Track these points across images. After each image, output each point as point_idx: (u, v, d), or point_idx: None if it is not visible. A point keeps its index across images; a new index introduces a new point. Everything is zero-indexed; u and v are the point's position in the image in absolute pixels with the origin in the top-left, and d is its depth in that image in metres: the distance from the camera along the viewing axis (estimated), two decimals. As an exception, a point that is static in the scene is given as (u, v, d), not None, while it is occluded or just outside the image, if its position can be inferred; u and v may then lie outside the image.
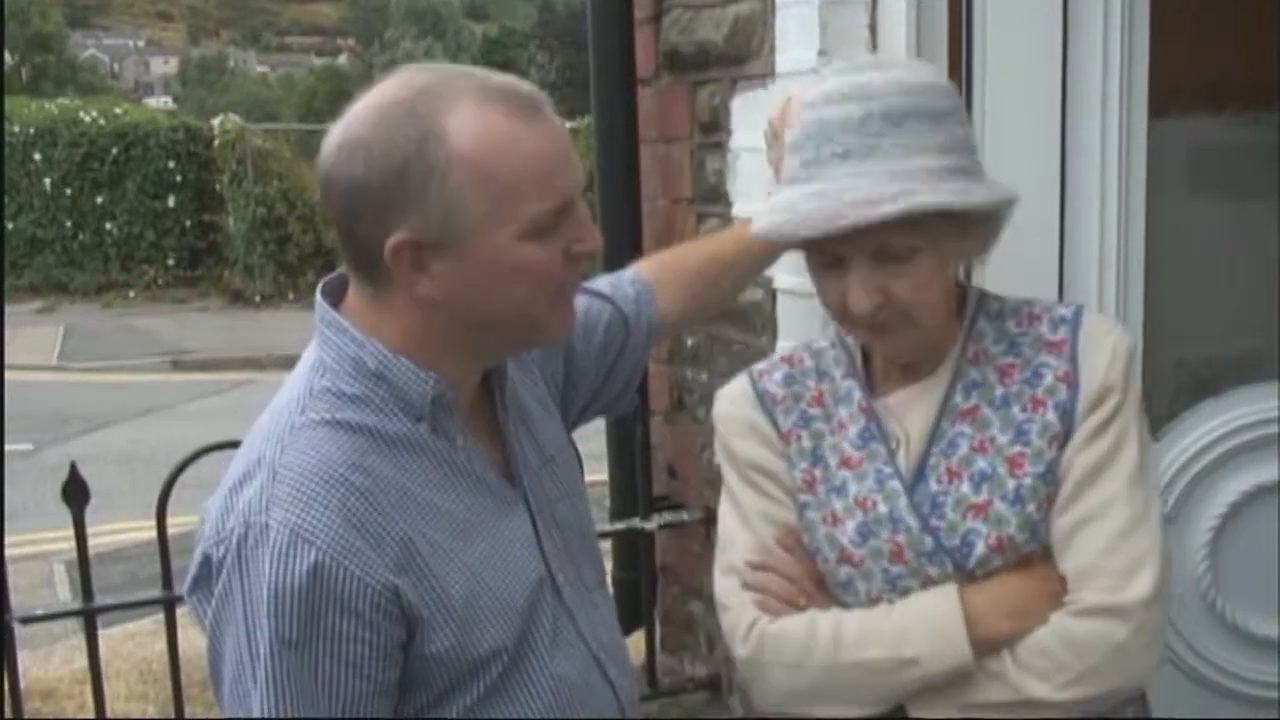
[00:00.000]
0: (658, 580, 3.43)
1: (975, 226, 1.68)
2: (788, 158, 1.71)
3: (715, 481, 3.12)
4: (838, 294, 1.68)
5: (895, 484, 1.75)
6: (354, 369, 1.54)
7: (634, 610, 3.32)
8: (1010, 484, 1.70)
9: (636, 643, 3.36)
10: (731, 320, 2.91)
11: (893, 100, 1.62)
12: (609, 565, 3.45)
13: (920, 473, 1.74)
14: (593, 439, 2.76)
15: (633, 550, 3.35)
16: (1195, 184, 2.69)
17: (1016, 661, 1.66)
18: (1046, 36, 2.36)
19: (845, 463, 1.79)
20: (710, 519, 3.17)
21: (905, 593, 1.73)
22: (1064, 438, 1.70)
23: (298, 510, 1.44)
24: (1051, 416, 1.70)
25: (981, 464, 1.72)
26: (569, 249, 1.57)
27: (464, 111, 1.48)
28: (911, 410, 1.77)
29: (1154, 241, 2.52)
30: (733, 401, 1.90)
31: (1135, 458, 1.69)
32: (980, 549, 1.70)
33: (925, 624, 1.68)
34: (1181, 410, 2.72)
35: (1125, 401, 1.70)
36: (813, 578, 1.80)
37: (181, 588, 2.67)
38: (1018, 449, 1.71)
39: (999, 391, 1.74)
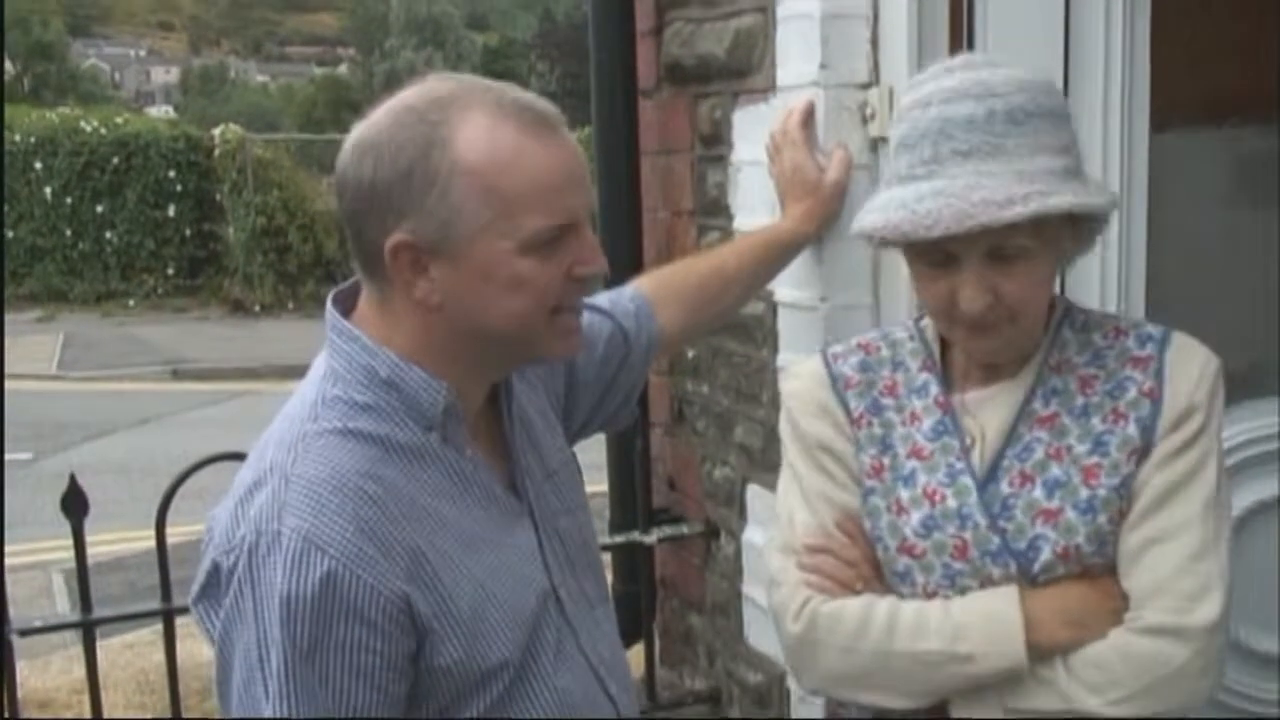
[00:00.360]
0: (657, 593, 3.42)
1: (1087, 228, 1.69)
2: (896, 156, 1.70)
3: (715, 494, 3.12)
4: (946, 292, 1.68)
5: (967, 480, 1.74)
6: (366, 377, 1.55)
7: (633, 623, 3.31)
8: (1084, 493, 1.69)
9: (635, 656, 3.35)
10: (733, 333, 2.91)
11: (1014, 98, 1.63)
12: (609, 578, 3.44)
13: (993, 473, 1.74)
14: (593, 450, 2.75)
15: (632, 563, 3.34)
16: (1196, 198, 2.69)
17: (1070, 671, 1.65)
18: (1048, 52, 2.36)
19: (916, 454, 1.79)
20: (710, 533, 3.17)
21: (963, 590, 1.72)
22: (1142, 453, 1.69)
23: (310, 518, 1.44)
24: (1132, 430, 1.69)
25: (1056, 471, 1.71)
26: (571, 270, 1.58)
27: (474, 122, 1.50)
28: (988, 410, 1.77)
29: (1155, 255, 2.51)
30: (805, 380, 1.91)
31: (1213, 482, 1.68)
32: (1046, 555, 1.69)
33: (983, 622, 1.67)
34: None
35: (1208, 424, 1.69)
36: (871, 564, 1.80)
37: (181, 599, 2.71)
38: (1095, 459, 1.70)
39: (1079, 401, 1.73)
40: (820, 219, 2.38)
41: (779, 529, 1.88)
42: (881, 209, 1.68)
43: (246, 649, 1.46)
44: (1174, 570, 1.64)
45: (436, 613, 1.49)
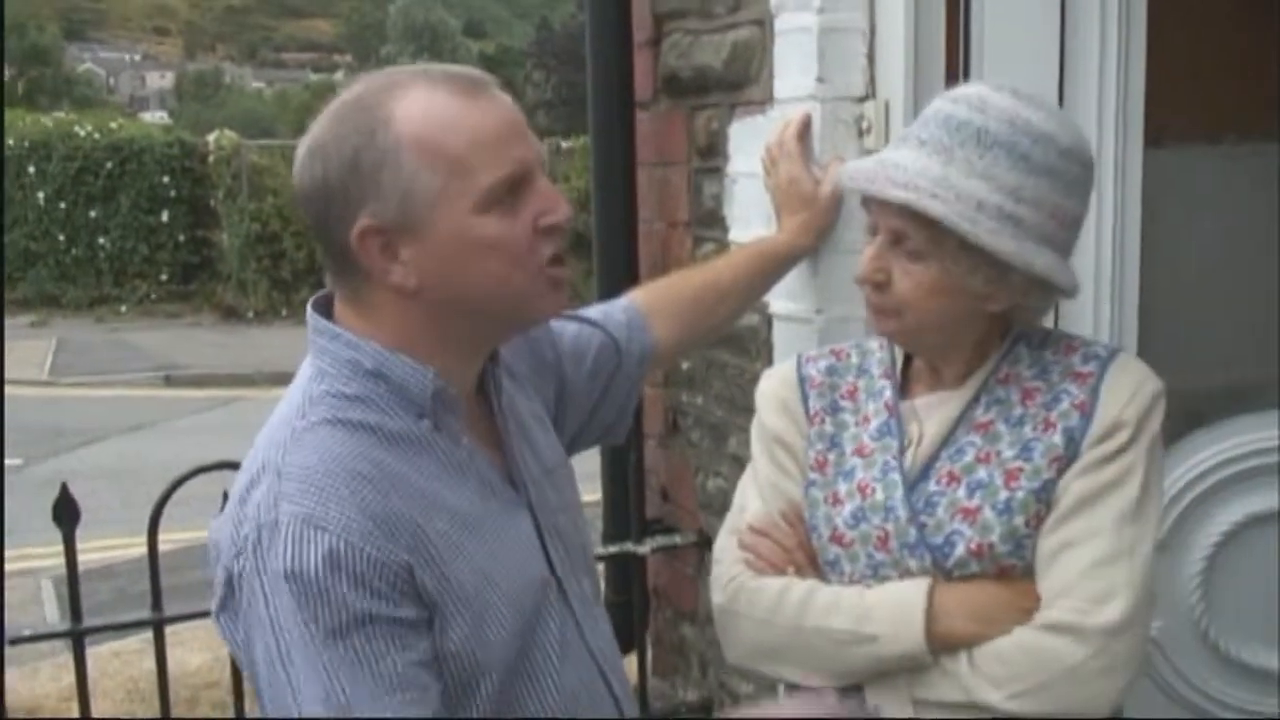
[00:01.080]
0: (650, 604, 3.42)
1: (988, 271, 1.71)
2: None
3: (709, 505, 3.12)
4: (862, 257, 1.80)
5: (896, 476, 1.81)
6: (352, 371, 1.55)
7: (626, 634, 3.30)
8: (1003, 495, 1.75)
9: (628, 666, 3.34)
10: (727, 345, 2.91)
11: (995, 125, 1.69)
12: (601, 588, 3.45)
13: (925, 472, 1.81)
14: (586, 460, 2.75)
15: (625, 573, 3.34)
16: (1190, 214, 2.70)
17: (972, 664, 1.71)
18: (1043, 69, 2.37)
19: (859, 452, 1.87)
20: (704, 543, 3.16)
21: (884, 580, 1.79)
22: (1066, 462, 1.74)
23: (307, 501, 1.44)
24: (1058, 439, 1.75)
25: (981, 473, 1.77)
26: (537, 222, 1.57)
27: (409, 97, 1.52)
28: (933, 415, 1.84)
29: (1148, 271, 2.52)
30: (774, 380, 2.02)
31: (1134, 497, 1.71)
32: (960, 550, 1.75)
33: (890, 606, 1.75)
34: (1174, 440, 2.72)
35: (1136, 440, 1.73)
36: (806, 552, 1.88)
37: (172, 607, 2.71)
38: (1018, 464, 1.75)
39: (1017, 411, 1.79)
40: (816, 232, 2.38)
41: (731, 513, 1.99)
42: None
43: (267, 643, 1.45)
44: (1080, 574, 1.69)
45: (440, 590, 1.49)
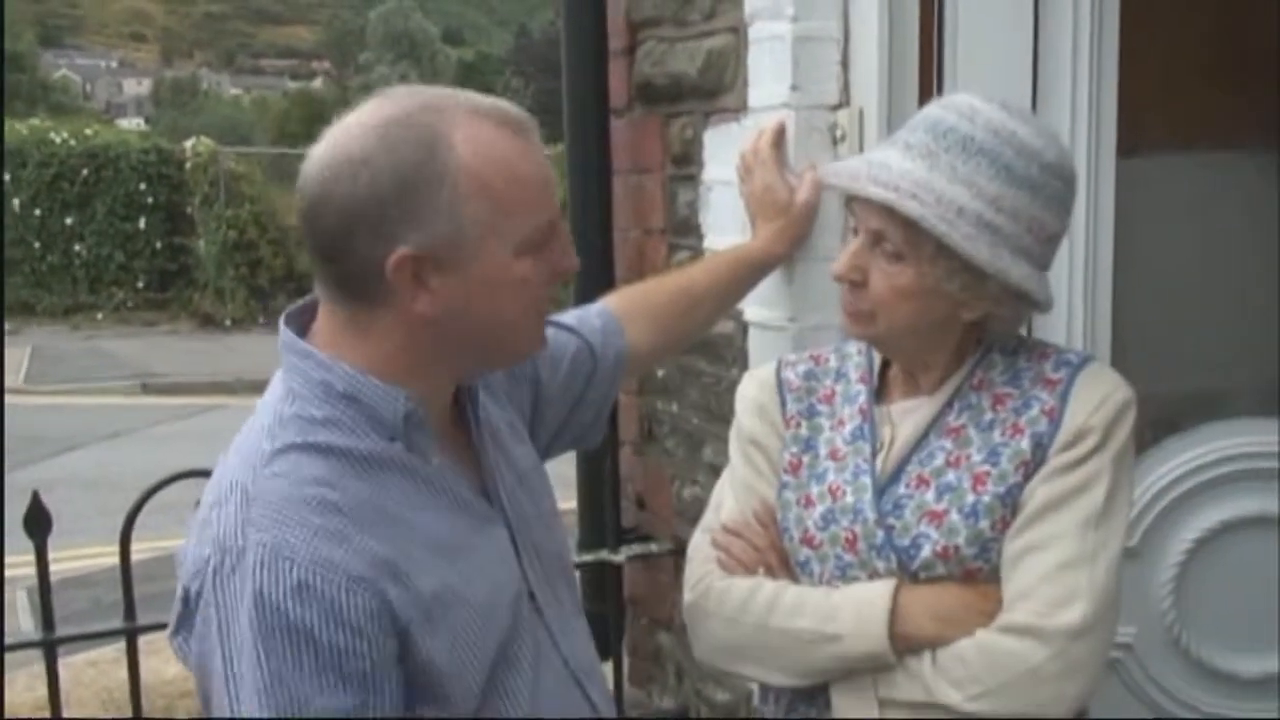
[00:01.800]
0: (626, 612, 3.42)
1: (964, 277, 1.72)
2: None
3: (685, 513, 3.12)
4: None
5: (866, 479, 1.83)
6: (323, 393, 1.53)
7: (602, 642, 3.29)
8: (969, 498, 1.76)
9: (604, 675, 3.34)
10: (702, 352, 2.91)
11: (981, 134, 1.72)
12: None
13: (896, 476, 1.83)
14: (562, 468, 2.75)
15: (601, 582, 3.34)
16: (1163, 223, 2.71)
17: (935, 664, 1.72)
18: (1016, 78, 2.38)
19: (832, 455, 1.89)
20: (680, 551, 3.16)
21: (852, 581, 1.81)
22: (1033, 467, 1.76)
23: (275, 529, 1.42)
24: (1025, 445, 1.76)
25: (950, 477, 1.79)
26: (555, 267, 1.59)
27: (464, 125, 1.49)
28: (906, 420, 1.86)
29: (1121, 279, 2.53)
30: (753, 383, 2.04)
31: (1098, 503, 1.73)
32: (926, 552, 1.77)
33: (854, 606, 1.76)
34: (1147, 447, 2.73)
35: (1102, 447, 1.74)
36: (777, 554, 1.90)
37: (145, 617, 2.70)
38: (985, 468, 1.77)
39: (988, 416, 1.81)
40: (791, 239, 2.39)
41: (708, 512, 2.02)
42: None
43: (218, 667, 1.43)
44: (1041, 577, 1.70)
45: (410, 615, 1.47)
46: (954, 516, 1.76)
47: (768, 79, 2.55)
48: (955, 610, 1.74)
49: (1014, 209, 1.71)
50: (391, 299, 1.51)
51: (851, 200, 1.80)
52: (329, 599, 1.41)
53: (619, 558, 3.25)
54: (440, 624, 1.50)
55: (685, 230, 2.98)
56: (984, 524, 1.75)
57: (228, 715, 1.42)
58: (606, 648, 3.26)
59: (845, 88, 2.47)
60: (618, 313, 2.11)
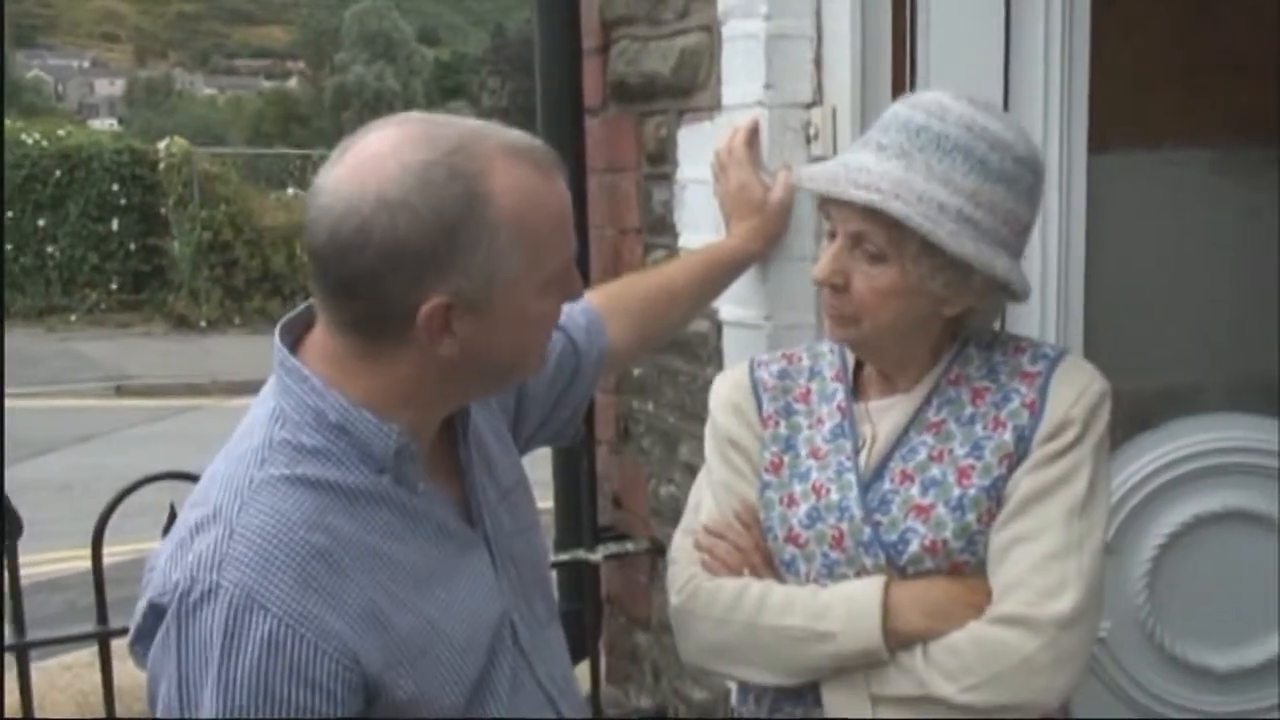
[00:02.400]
0: (603, 611, 3.42)
1: (949, 273, 1.74)
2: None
3: (661, 512, 3.12)
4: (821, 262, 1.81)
5: (851, 477, 1.84)
6: (315, 420, 1.50)
7: (579, 641, 3.30)
8: (955, 492, 1.77)
9: (581, 674, 3.33)
10: (678, 351, 2.91)
11: (954, 131, 1.72)
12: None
13: (879, 472, 1.83)
14: (539, 468, 2.74)
15: (578, 581, 3.34)
16: (1133, 220, 2.72)
17: (927, 657, 1.73)
18: (988, 76, 2.39)
19: (814, 453, 1.89)
20: (656, 550, 3.17)
21: (840, 579, 1.82)
22: (1016, 460, 1.77)
23: (254, 573, 1.39)
24: (1008, 437, 1.78)
25: (935, 471, 1.80)
26: (563, 297, 1.60)
27: (501, 169, 1.47)
28: (886, 417, 1.87)
29: (1093, 276, 2.55)
30: (727, 384, 2.04)
31: (1081, 493, 1.75)
32: (914, 548, 1.78)
33: (846, 604, 1.76)
34: (1120, 443, 2.74)
35: (1083, 438, 1.76)
36: (762, 553, 1.90)
37: (118, 620, 2.68)
38: (969, 461, 1.78)
39: (968, 410, 1.82)
40: (765, 238, 2.39)
41: (687, 513, 2.01)
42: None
43: (169, 698, 1.41)
44: (1030, 568, 1.72)
45: (388, 661, 1.45)
46: (940, 510, 1.77)
47: (741, 77, 2.55)
48: (946, 604, 1.75)
49: (991, 203, 1.72)
50: (411, 341, 1.48)
51: (827, 203, 1.80)
52: (298, 657, 1.39)
53: (595, 557, 3.25)
54: (418, 662, 1.49)
55: (660, 229, 2.98)
56: (970, 517, 1.76)
57: None
58: (583, 647, 3.27)
59: (818, 86, 2.47)
60: (600, 310, 2.10)
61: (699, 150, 2.70)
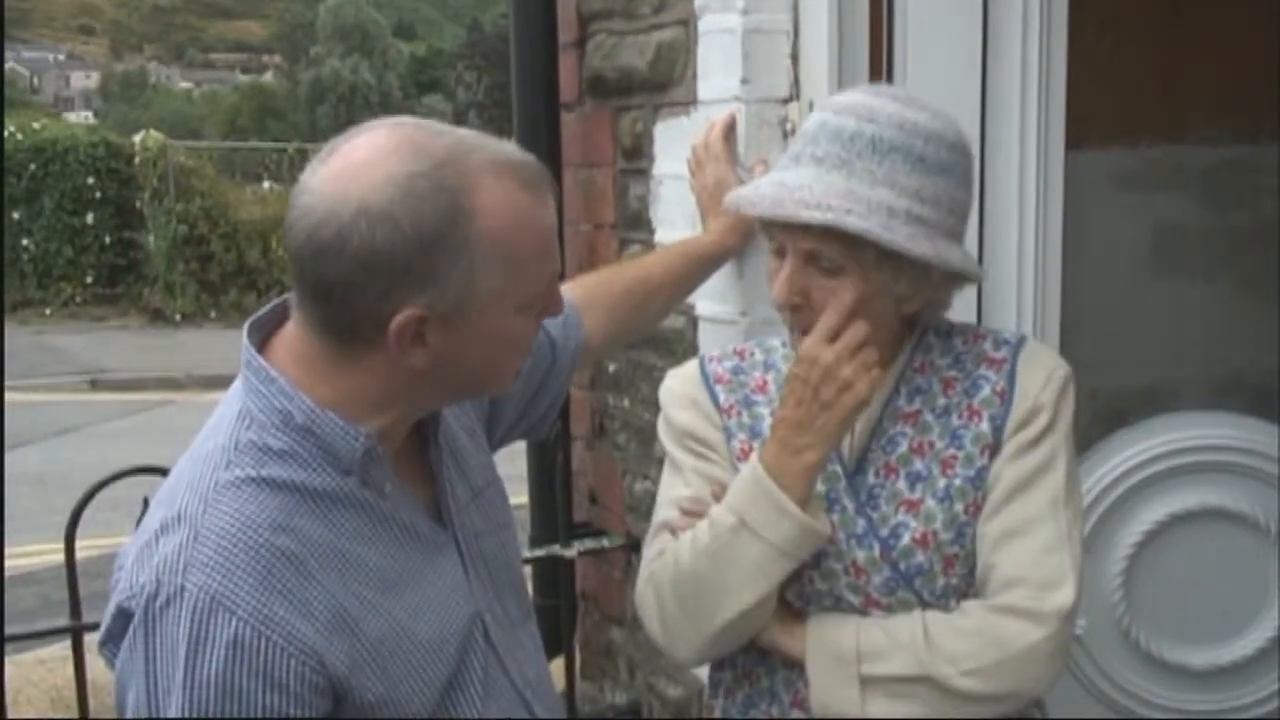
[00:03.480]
0: (578, 607, 3.41)
1: (910, 274, 1.73)
2: (788, 148, 1.82)
3: (637, 508, 3.11)
4: (775, 282, 1.78)
5: (836, 468, 1.82)
6: (281, 422, 1.48)
7: (554, 637, 3.29)
8: (941, 483, 1.78)
9: (556, 670, 3.33)
10: (653, 347, 2.90)
11: (886, 131, 1.70)
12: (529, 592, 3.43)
13: (860, 465, 1.83)
14: (514, 463, 2.73)
15: (553, 577, 3.33)
16: (1111, 216, 2.73)
17: (929, 638, 1.72)
18: (966, 70, 2.38)
19: None
20: (631, 546, 3.16)
21: (828, 572, 1.80)
22: (994, 449, 1.78)
23: (219, 576, 1.38)
24: (985, 427, 1.79)
25: (918, 465, 1.80)
26: (541, 315, 1.59)
27: (488, 188, 1.45)
28: None
29: (1070, 274, 2.55)
30: (678, 380, 2.02)
31: (1061, 479, 1.77)
32: (906, 539, 1.77)
33: (733, 492, 1.76)
34: (1096, 440, 2.74)
35: (1055, 424, 1.78)
36: None
37: (91, 615, 2.66)
38: (951, 452, 1.79)
39: (941, 401, 1.82)
40: (742, 233, 2.38)
41: (657, 511, 1.96)
42: (746, 188, 1.83)
43: (137, 702, 1.40)
44: (1029, 563, 1.73)
45: (355, 664, 1.45)
46: (929, 502, 1.78)
47: (718, 72, 2.54)
48: (798, 427, 1.72)
49: (936, 196, 1.72)
50: (381, 348, 1.47)
51: (771, 224, 1.77)
52: (263, 659, 1.38)
53: (570, 553, 3.24)
54: (387, 665, 1.48)
55: (636, 224, 2.97)
56: (958, 507, 1.77)
57: None
58: (558, 643, 3.26)
59: (795, 81, 2.47)
60: (576, 303, 2.09)
61: (675, 145, 2.69)
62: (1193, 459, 2.75)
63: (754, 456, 1.77)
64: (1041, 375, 1.79)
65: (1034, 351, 1.84)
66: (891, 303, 1.77)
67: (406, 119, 1.52)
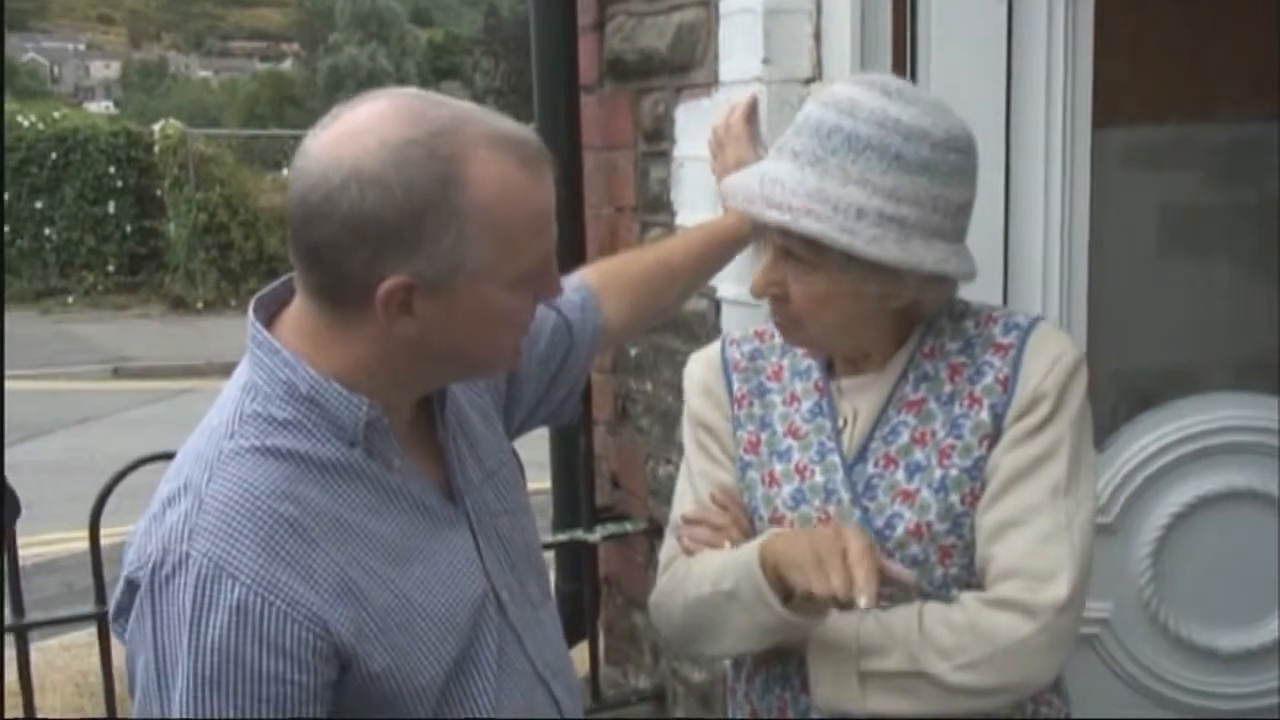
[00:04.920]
0: (601, 591, 3.41)
1: (879, 275, 1.70)
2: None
3: (659, 492, 3.11)
4: (754, 268, 1.81)
5: (835, 458, 1.82)
6: (286, 393, 1.50)
7: (577, 622, 3.29)
8: (938, 474, 1.76)
9: (580, 655, 3.33)
10: (675, 330, 2.89)
11: (864, 127, 1.66)
12: (552, 576, 3.43)
13: (861, 454, 1.82)
14: (536, 448, 2.72)
15: (576, 561, 3.33)
16: (1137, 195, 2.70)
17: (923, 633, 1.71)
18: (991, 48, 2.36)
19: (792, 432, 1.88)
20: (654, 530, 3.15)
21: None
22: (994, 438, 1.75)
23: (222, 543, 1.39)
24: (985, 416, 1.76)
25: (918, 455, 1.78)
26: (540, 295, 1.58)
27: (483, 158, 1.45)
28: (863, 395, 1.84)
29: (1096, 253, 2.52)
30: (699, 364, 2.03)
31: (1064, 468, 1.73)
32: (899, 532, 1.77)
33: (737, 556, 1.75)
34: (1122, 422, 2.72)
35: (1058, 412, 1.74)
36: (741, 527, 1.88)
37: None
38: (950, 441, 1.77)
39: (947, 389, 1.79)
40: (763, 215, 2.37)
41: (674, 509, 2.00)
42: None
43: (146, 671, 1.42)
44: (1023, 553, 1.70)
45: (361, 632, 1.45)
46: (925, 493, 1.76)
47: (739, 53, 2.53)
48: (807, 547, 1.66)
49: (914, 195, 1.67)
50: (372, 315, 1.47)
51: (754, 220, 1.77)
52: (267, 623, 1.39)
53: (594, 537, 3.24)
54: (393, 636, 1.48)
55: (657, 207, 2.96)
56: (954, 498, 1.75)
57: (157, 715, 1.41)
58: (582, 627, 3.26)
59: (818, 61, 2.45)
60: (595, 287, 2.08)
61: (696, 127, 2.68)
62: (1221, 440, 2.72)
63: (769, 536, 1.74)
64: (1046, 362, 1.75)
65: (1042, 336, 1.79)
66: (871, 301, 1.75)
67: (411, 89, 1.53)
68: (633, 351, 3.18)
